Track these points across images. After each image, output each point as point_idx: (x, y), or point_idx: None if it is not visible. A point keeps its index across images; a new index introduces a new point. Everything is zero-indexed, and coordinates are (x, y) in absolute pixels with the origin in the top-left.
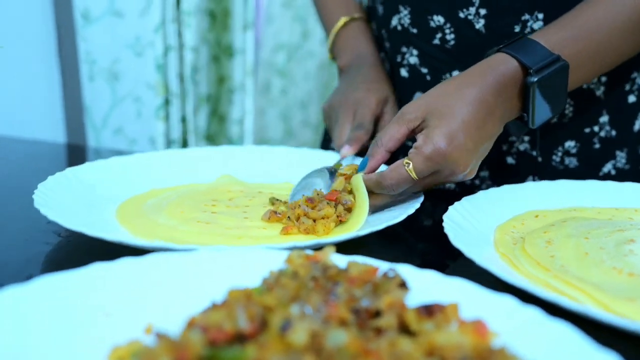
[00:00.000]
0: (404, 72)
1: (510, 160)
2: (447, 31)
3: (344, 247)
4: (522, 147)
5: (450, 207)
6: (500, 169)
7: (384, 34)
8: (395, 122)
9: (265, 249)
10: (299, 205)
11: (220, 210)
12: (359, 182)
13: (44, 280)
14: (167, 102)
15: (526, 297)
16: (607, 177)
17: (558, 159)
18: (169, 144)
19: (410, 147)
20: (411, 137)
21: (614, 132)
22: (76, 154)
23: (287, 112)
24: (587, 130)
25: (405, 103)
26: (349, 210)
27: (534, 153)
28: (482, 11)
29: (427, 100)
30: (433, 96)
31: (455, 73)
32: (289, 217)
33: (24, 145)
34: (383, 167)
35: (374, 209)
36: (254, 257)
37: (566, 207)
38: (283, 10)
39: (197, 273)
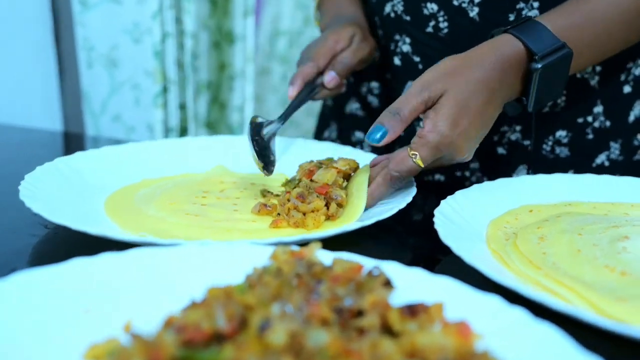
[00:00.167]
0: (397, 61)
1: (501, 150)
2: (441, 19)
3: (333, 242)
4: (513, 137)
5: (442, 202)
6: (491, 159)
7: (377, 21)
8: (416, 94)
9: (250, 244)
10: (289, 200)
11: (211, 202)
12: (363, 178)
13: (22, 276)
14: (165, 90)
15: (515, 296)
16: (600, 168)
17: (548, 148)
18: (167, 131)
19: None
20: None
21: (608, 123)
22: (73, 142)
23: (287, 98)
24: (581, 120)
25: (398, 92)
26: (340, 205)
27: (526, 143)
28: None
29: (444, 76)
30: (449, 73)
31: None
32: (278, 213)
33: (19, 133)
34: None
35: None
36: (239, 252)
37: (561, 202)
38: None
39: (180, 269)
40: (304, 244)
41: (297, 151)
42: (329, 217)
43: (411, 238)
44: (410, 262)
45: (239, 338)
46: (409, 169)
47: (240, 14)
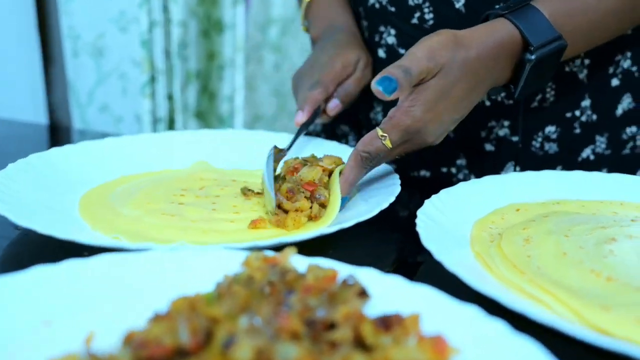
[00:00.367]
0: (381, 53)
1: (489, 147)
2: (426, 10)
3: (312, 245)
4: (501, 133)
5: (426, 201)
6: (479, 156)
7: (361, 12)
8: (426, 59)
9: (222, 249)
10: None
11: (189, 200)
12: (337, 173)
13: None
14: (153, 79)
15: (496, 304)
16: (585, 162)
17: (538, 145)
18: (155, 122)
19: None
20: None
21: (595, 117)
22: (59, 135)
23: (280, 87)
24: (569, 114)
25: None
26: (322, 205)
27: (514, 139)
28: None
29: (450, 44)
30: (453, 42)
31: None
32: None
33: (2, 126)
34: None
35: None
36: (210, 258)
37: (549, 200)
38: None
39: (148, 276)
40: (280, 247)
41: (282, 146)
42: (311, 218)
43: (394, 237)
44: (392, 263)
45: (202, 354)
46: (377, 149)
47: (230, 2)
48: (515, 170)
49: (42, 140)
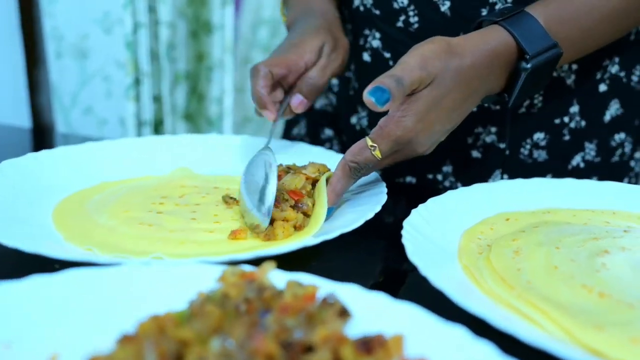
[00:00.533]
0: (366, 57)
1: (475, 154)
2: (411, 13)
3: (294, 255)
4: (488, 139)
5: (413, 211)
6: (465, 163)
7: (345, 15)
8: (418, 68)
9: (198, 264)
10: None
11: (168, 209)
12: (323, 182)
13: None
14: (137, 82)
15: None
16: (575, 170)
17: (526, 152)
18: (140, 125)
19: None
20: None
21: (583, 123)
22: (43, 139)
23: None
24: (557, 121)
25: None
26: (305, 214)
27: (502, 146)
28: None
29: (442, 54)
30: (446, 51)
31: None
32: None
33: None
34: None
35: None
36: (184, 274)
37: (540, 209)
38: None
39: (117, 293)
40: (260, 260)
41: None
42: (295, 228)
43: (379, 246)
44: (377, 276)
45: None
46: (366, 159)
47: (219, 3)
48: (502, 178)
49: (24, 145)
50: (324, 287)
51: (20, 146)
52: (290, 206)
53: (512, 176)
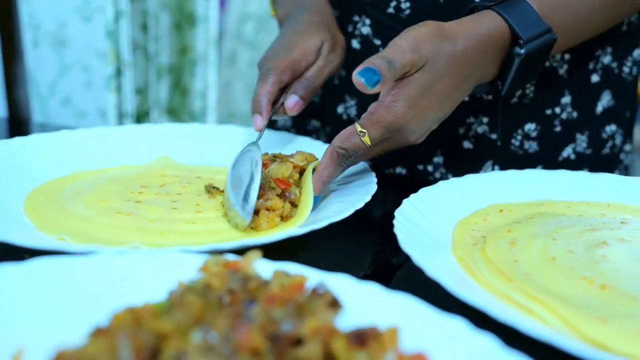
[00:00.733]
0: (355, 44)
1: (467, 144)
2: None
3: (280, 247)
4: (480, 130)
5: (404, 201)
6: (457, 154)
7: (333, 1)
8: (410, 50)
9: (178, 252)
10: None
11: (148, 198)
12: (310, 170)
13: None
14: (119, 72)
15: (483, 313)
16: (566, 162)
17: (517, 143)
18: (121, 116)
19: None
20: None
21: (575, 114)
22: (18, 129)
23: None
24: (549, 111)
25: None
26: (293, 204)
27: (494, 136)
28: None
29: (434, 37)
30: (438, 34)
31: None
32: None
33: None
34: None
35: (323, 195)
36: (163, 263)
37: (534, 201)
38: None
39: (91, 283)
40: (245, 250)
41: (250, 141)
42: (282, 218)
43: (370, 238)
44: (368, 267)
45: None
46: (355, 145)
47: None
48: (493, 170)
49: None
50: (313, 277)
51: None
52: (277, 195)
53: (503, 167)
